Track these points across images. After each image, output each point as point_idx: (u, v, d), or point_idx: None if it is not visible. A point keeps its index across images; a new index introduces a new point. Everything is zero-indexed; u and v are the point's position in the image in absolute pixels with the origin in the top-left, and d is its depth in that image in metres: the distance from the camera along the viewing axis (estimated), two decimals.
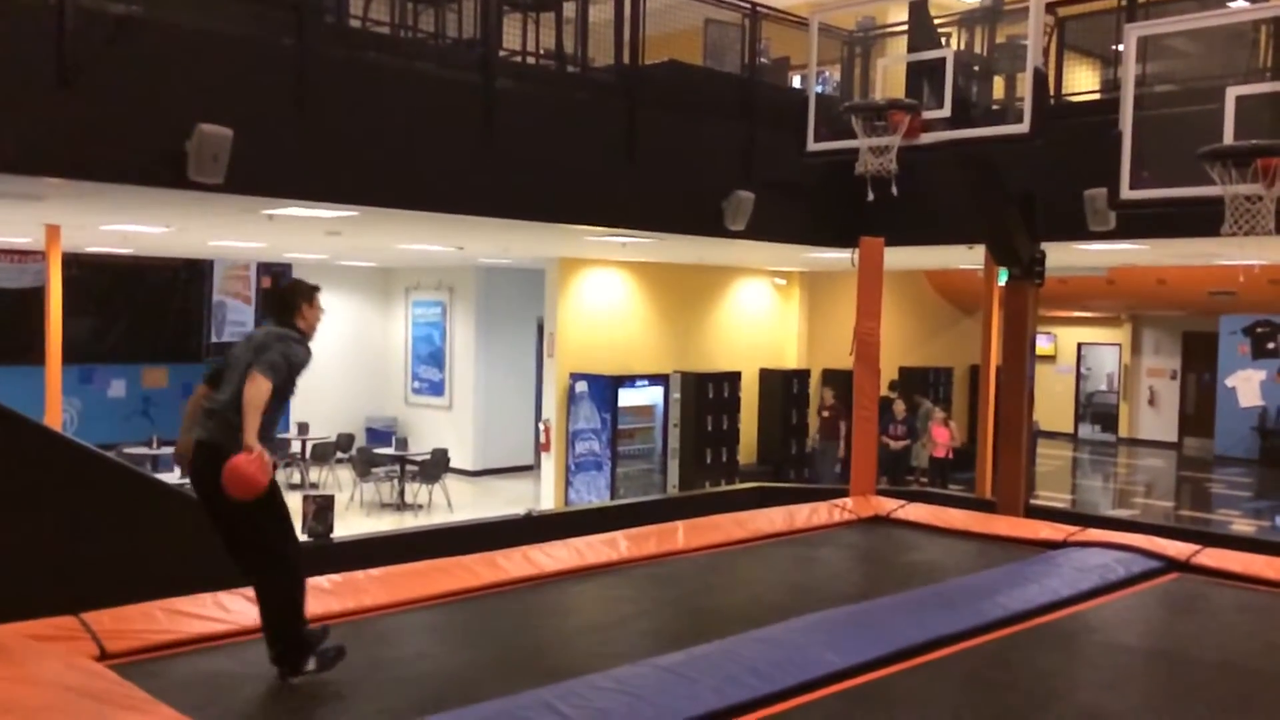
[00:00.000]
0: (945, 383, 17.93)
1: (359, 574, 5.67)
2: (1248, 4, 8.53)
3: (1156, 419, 23.04)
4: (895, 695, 4.70)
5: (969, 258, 11.34)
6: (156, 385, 19.46)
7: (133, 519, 5.60)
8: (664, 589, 6.40)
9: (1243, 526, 14.30)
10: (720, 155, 8.94)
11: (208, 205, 7.28)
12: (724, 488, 12.30)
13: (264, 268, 19.64)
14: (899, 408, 14.30)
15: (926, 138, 6.98)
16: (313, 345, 4.71)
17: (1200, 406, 22.08)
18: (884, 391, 11.72)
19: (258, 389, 4.29)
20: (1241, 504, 16.36)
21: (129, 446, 13.73)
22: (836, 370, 14.96)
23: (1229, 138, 6.11)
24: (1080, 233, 8.14)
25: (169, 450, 13.65)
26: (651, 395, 13.95)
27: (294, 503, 5.04)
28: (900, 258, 10.82)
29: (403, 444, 15.08)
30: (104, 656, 4.57)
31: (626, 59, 8.32)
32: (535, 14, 8.22)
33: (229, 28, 6.26)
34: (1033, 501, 8.99)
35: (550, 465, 13.77)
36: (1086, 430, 24.17)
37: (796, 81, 10.70)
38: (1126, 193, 6.67)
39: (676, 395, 14.14)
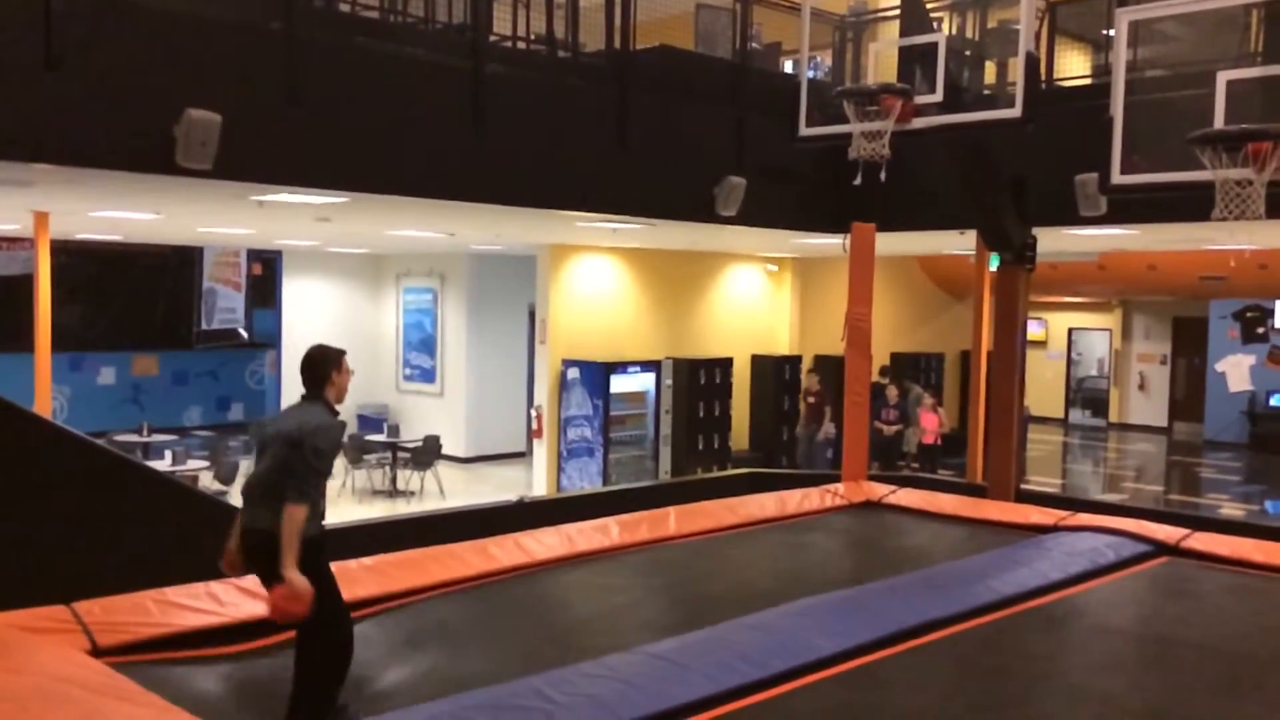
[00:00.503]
0: (936, 368, 17.93)
1: (351, 563, 5.66)
2: None
3: (1147, 404, 23.13)
4: (887, 679, 4.72)
5: (960, 243, 11.34)
6: (146, 372, 19.42)
7: (123, 507, 5.57)
8: (656, 575, 6.41)
9: (1232, 511, 14.37)
10: (712, 140, 8.91)
11: (196, 191, 7.24)
12: (716, 474, 12.30)
13: (254, 254, 19.58)
14: (892, 392, 14.30)
15: (918, 122, 6.98)
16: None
17: (1190, 391, 22.16)
18: (875, 377, 11.71)
19: (292, 520, 4.23)
20: (1230, 488, 16.44)
21: (119, 434, 13.66)
22: (828, 356, 14.97)
23: (1219, 122, 6.11)
24: (1071, 218, 8.14)
25: (159, 438, 13.64)
26: (643, 381, 13.94)
27: None
28: (892, 243, 10.81)
29: (394, 431, 15.06)
30: (95, 647, 4.56)
31: (618, 44, 8.27)
32: None
33: (217, 12, 6.22)
34: (1023, 486, 9.02)
35: (542, 452, 13.77)
36: (1077, 415, 24.25)
37: (788, 67, 10.67)
38: (1117, 178, 6.68)
39: (668, 381, 14.13)
